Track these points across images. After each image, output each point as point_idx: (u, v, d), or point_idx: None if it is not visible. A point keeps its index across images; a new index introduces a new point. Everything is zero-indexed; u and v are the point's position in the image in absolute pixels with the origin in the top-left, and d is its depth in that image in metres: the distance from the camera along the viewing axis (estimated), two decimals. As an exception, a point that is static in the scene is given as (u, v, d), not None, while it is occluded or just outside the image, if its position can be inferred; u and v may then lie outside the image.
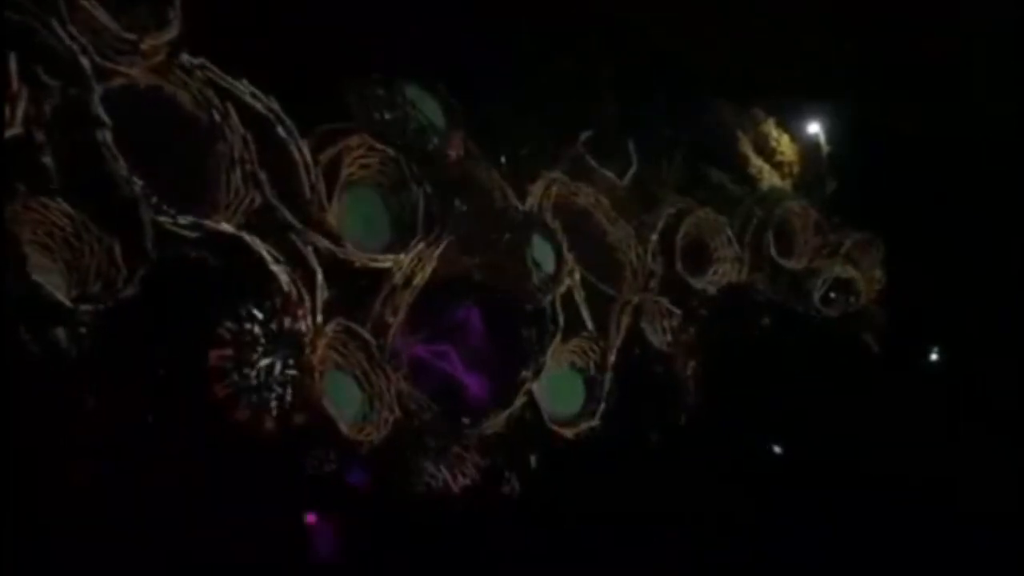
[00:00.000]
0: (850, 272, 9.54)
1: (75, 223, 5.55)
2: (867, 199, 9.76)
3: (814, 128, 10.02)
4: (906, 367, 9.77)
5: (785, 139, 9.89)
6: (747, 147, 9.62)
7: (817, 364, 9.13)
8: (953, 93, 9.52)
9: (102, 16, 5.66)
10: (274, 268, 6.21)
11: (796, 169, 9.88)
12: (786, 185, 9.74)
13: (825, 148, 10.01)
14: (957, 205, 9.70)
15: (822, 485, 7.95)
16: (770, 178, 9.67)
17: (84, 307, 5.43)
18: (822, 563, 6.50)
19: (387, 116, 7.15)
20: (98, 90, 5.65)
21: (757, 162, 9.66)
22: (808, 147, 9.96)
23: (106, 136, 5.64)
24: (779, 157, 9.83)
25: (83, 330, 5.38)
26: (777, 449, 8.21)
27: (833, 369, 9.15)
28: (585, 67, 8.45)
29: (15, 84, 5.28)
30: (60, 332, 5.35)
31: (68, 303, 5.37)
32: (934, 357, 10.09)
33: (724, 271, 8.91)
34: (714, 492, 7.59)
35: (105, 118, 5.63)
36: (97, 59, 5.67)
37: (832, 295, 9.48)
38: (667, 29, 8.73)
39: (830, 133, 9.95)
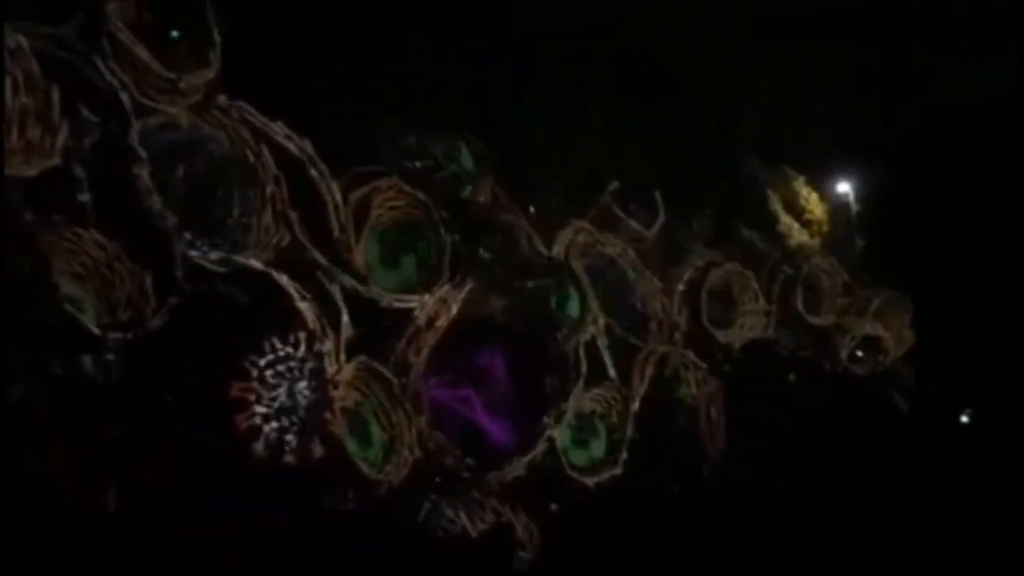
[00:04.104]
0: (878, 330, 9.49)
1: (108, 254, 5.70)
2: (896, 258, 9.71)
3: (843, 187, 10.07)
4: (936, 427, 9.62)
5: (814, 197, 9.91)
6: (777, 204, 9.65)
7: (844, 422, 9.01)
8: (981, 153, 9.50)
9: (143, 54, 5.86)
10: (300, 305, 6.29)
11: (825, 227, 9.89)
12: (815, 243, 9.74)
13: (854, 207, 10.03)
14: (987, 265, 9.62)
15: (846, 542, 7.81)
16: (799, 236, 9.67)
17: (112, 335, 5.54)
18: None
19: (418, 162, 7.30)
20: (136, 126, 5.84)
21: (787, 219, 9.67)
22: (837, 206, 9.99)
23: (142, 171, 5.82)
24: (808, 215, 9.85)
25: (110, 357, 5.48)
26: (802, 505, 8.09)
27: (860, 427, 9.02)
28: (616, 119, 8.55)
29: (56, 117, 5.46)
30: (87, 359, 5.45)
31: (96, 330, 5.47)
32: (964, 419, 9.94)
33: (750, 325, 8.90)
34: (734, 544, 7.48)
35: (142, 153, 5.81)
36: (137, 96, 5.87)
37: (860, 353, 9.43)
38: (702, 85, 8.82)
39: (859, 192, 9.97)
